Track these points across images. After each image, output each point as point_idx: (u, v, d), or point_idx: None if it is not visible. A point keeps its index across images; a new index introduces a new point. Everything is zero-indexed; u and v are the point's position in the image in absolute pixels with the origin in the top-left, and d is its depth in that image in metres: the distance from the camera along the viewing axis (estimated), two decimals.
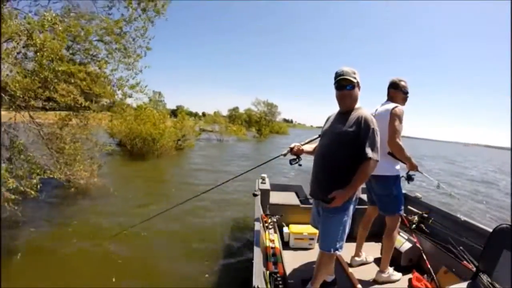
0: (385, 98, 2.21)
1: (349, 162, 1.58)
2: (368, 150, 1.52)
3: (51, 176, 3.69)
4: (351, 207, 1.67)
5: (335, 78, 1.64)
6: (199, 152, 12.63)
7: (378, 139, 1.58)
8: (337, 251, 1.65)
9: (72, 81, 3.64)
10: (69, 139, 4.07)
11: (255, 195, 2.56)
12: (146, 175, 7.47)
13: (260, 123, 29.55)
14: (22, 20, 3.30)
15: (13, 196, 3.14)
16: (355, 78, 1.61)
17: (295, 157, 1.94)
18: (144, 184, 6.51)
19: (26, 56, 3.42)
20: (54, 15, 3.37)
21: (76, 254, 2.98)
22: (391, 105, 2.04)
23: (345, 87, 1.63)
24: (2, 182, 3.08)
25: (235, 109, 38.33)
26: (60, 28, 3.34)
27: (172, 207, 2.69)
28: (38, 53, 3.21)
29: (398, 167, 2.09)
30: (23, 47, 3.22)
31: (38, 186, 3.38)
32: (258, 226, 1.95)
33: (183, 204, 2.75)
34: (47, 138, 3.89)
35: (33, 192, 3.31)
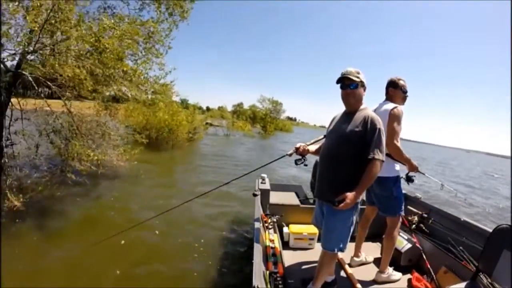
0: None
1: (355, 162, 1.58)
2: (375, 151, 1.53)
3: (102, 157, 4.32)
4: (357, 208, 1.66)
5: (339, 77, 1.66)
6: (209, 144, 13.53)
7: (384, 139, 1.58)
8: (340, 251, 1.66)
9: (131, 79, 4.43)
10: (110, 126, 4.81)
11: (255, 195, 2.55)
12: (171, 163, 8.56)
13: (266, 120, 29.58)
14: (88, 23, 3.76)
15: (82, 167, 3.92)
16: (358, 77, 1.62)
17: (300, 157, 1.94)
18: (169, 171, 7.47)
19: (91, 54, 3.81)
20: (112, 21, 3.86)
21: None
22: (390, 106, 2.02)
23: (348, 86, 1.64)
24: (70, 157, 3.90)
25: (240, 104, 38.51)
26: (118, 33, 3.78)
27: (176, 206, 2.67)
28: (102, 54, 3.71)
29: (398, 168, 2.08)
30: (91, 47, 3.66)
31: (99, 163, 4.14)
32: (258, 226, 1.95)
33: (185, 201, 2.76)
34: (89, 126, 4.47)
35: (94, 168, 4.09)
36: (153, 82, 5.00)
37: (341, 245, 1.65)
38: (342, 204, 1.50)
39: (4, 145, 3.55)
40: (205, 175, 6.97)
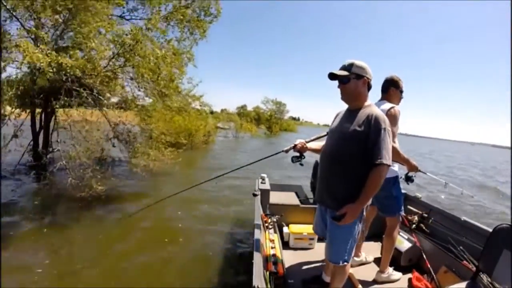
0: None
1: (357, 165, 1.44)
2: (381, 155, 1.36)
3: (152, 159, 5.29)
4: (362, 216, 1.53)
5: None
6: (222, 145, 15.12)
7: (390, 140, 1.41)
8: (345, 263, 1.55)
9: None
10: (157, 132, 5.90)
11: (255, 195, 2.55)
12: (195, 160, 10.28)
13: (271, 121, 30.68)
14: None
15: (142, 165, 5.02)
16: (348, 70, 1.47)
17: (298, 154, 1.82)
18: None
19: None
20: (163, 52, 4.88)
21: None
22: (387, 105, 1.98)
23: (339, 81, 1.52)
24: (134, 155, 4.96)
25: (243, 106, 39.03)
26: (168, 60, 4.93)
27: (178, 192, 2.85)
28: (159, 77, 5.05)
29: (396, 168, 2.07)
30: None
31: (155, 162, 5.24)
32: (258, 226, 1.95)
33: (184, 193, 2.94)
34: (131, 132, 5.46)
35: (152, 165, 5.18)
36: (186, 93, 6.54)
37: (346, 257, 1.54)
38: (343, 219, 1.40)
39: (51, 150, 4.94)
40: (223, 166, 8.55)
